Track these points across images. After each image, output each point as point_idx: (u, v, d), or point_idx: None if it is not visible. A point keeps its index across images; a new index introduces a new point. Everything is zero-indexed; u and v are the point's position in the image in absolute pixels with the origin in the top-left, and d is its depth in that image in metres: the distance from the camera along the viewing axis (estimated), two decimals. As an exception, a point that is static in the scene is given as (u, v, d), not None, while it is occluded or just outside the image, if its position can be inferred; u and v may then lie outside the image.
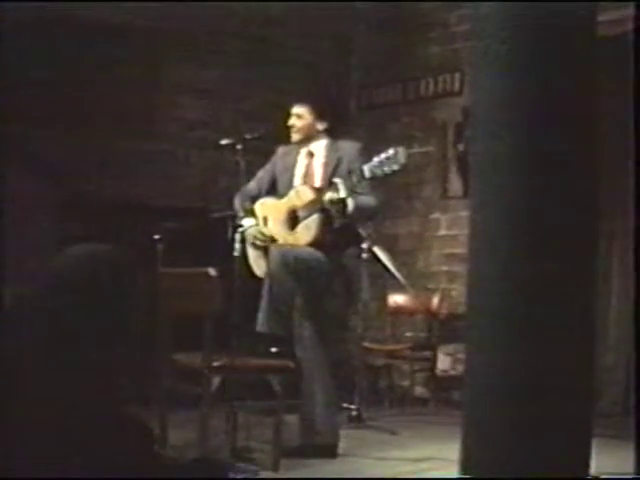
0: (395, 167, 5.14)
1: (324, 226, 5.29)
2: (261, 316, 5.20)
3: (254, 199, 5.59)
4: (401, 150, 5.16)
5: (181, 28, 7.66)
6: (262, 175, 5.67)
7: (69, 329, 1.81)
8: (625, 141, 3.75)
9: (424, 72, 8.40)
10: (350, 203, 5.17)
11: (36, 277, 1.90)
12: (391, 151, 5.17)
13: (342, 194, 5.14)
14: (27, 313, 1.85)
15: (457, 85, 8.11)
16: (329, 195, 5.19)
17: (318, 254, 5.26)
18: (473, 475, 3.09)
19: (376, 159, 5.16)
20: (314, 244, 5.29)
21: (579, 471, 3.07)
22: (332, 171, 5.39)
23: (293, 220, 5.41)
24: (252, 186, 5.59)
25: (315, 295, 5.30)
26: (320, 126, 5.50)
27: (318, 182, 5.46)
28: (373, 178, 5.15)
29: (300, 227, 5.36)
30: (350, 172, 5.25)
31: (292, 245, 5.34)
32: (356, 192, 5.23)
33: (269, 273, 5.21)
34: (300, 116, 5.51)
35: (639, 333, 3.85)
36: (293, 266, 5.20)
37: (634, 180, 3.68)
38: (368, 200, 5.32)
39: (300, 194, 5.40)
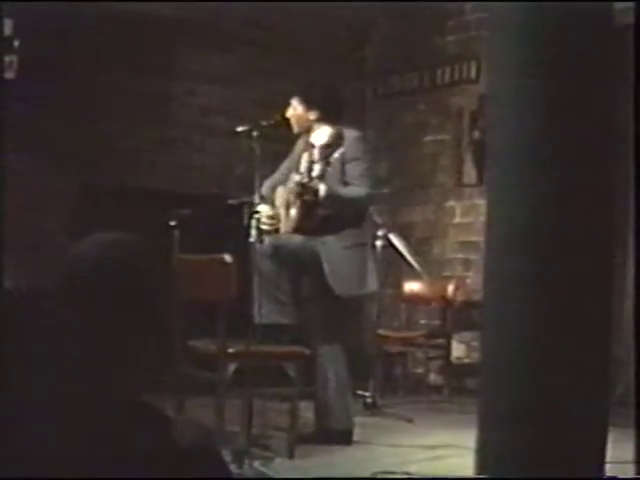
0: (335, 149, 5.13)
1: (303, 212, 5.28)
2: (257, 308, 5.17)
3: (275, 189, 5.63)
4: (339, 132, 5.17)
5: (196, 15, 7.66)
6: (284, 165, 5.70)
7: (87, 318, 1.81)
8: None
9: (440, 60, 8.39)
10: (321, 188, 5.14)
11: (53, 266, 1.90)
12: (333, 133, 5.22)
13: (304, 179, 5.15)
14: (43, 302, 1.85)
15: (473, 73, 8.10)
16: (295, 179, 5.23)
17: (298, 240, 5.28)
18: (489, 463, 3.10)
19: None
20: (297, 230, 5.31)
21: (595, 459, 3.07)
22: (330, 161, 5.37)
23: (288, 207, 5.44)
24: (275, 176, 5.63)
25: (311, 282, 5.30)
26: (312, 116, 5.47)
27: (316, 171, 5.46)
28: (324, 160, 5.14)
29: (290, 213, 5.39)
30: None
31: (283, 232, 5.36)
32: (347, 182, 5.23)
33: (255, 265, 5.20)
34: (293, 108, 5.52)
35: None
36: (272, 254, 5.22)
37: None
38: (352, 190, 5.29)
39: (292, 182, 5.43)
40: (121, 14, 7.16)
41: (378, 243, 6.27)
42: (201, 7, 7.60)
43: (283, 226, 5.44)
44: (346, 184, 5.25)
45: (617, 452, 3.50)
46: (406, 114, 8.63)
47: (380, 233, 6.21)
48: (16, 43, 6.13)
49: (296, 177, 5.25)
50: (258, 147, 5.07)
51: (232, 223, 5.25)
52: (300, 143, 5.65)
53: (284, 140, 5.74)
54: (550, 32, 3.08)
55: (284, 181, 5.63)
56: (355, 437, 5.31)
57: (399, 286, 7.87)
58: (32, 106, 6.61)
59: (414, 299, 7.96)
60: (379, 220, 6.12)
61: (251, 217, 5.00)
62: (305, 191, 5.18)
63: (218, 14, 7.76)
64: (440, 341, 7.69)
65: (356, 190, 5.27)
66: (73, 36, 6.93)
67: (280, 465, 4.65)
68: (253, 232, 4.89)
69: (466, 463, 3.50)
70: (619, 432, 3.65)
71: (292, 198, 5.36)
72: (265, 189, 5.57)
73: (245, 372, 4.73)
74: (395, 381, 7.98)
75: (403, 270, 7.13)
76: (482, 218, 3.45)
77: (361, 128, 5.85)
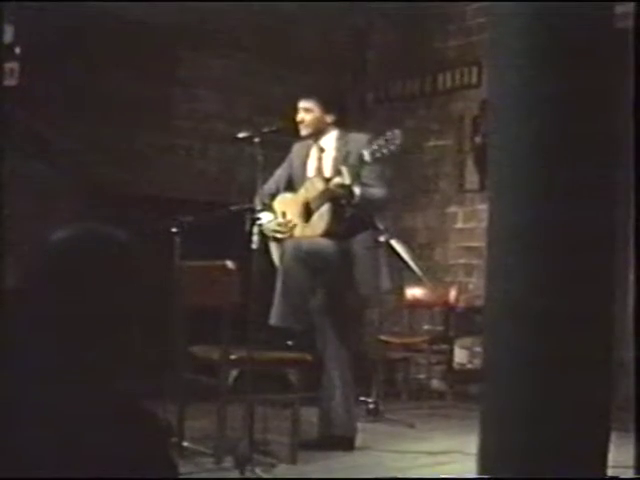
0: (392, 148, 5.14)
1: (335, 215, 5.31)
2: (275, 310, 5.21)
3: (273, 197, 5.62)
4: (397, 132, 5.17)
5: (197, 22, 7.66)
6: (280, 173, 5.70)
7: (65, 315, 1.78)
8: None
9: (441, 65, 8.39)
10: (356, 190, 5.18)
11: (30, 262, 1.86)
12: (388, 133, 5.19)
13: (347, 180, 5.16)
14: (24, 302, 1.82)
15: (474, 78, 8.10)
16: (335, 181, 5.22)
17: (330, 244, 5.28)
18: (491, 468, 3.09)
19: (374, 143, 5.17)
20: (327, 234, 5.31)
21: (596, 464, 3.07)
22: (341, 163, 5.41)
23: (307, 212, 5.43)
24: (270, 184, 5.62)
25: (332, 286, 5.31)
26: (329, 119, 5.50)
27: (327, 174, 5.48)
28: (376, 160, 5.15)
29: (314, 218, 5.38)
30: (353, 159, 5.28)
31: (307, 236, 5.36)
32: (365, 184, 5.26)
33: (282, 267, 5.23)
34: (309, 110, 5.51)
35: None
36: (306, 258, 5.22)
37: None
38: (376, 191, 5.33)
39: (312, 185, 5.43)
40: (122, 20, 7.16)
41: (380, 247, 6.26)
42: (202, 12, 7.61)
43: (302, 231, 5.42)
44: (363, 185, 5.28)
45: (618, 456, 3.49)
46: (407, 119, 8.62)
47: (382, 239, 6.19)
48: (17, 50, 6.13)
49: (335, 179, 5.23)
50: (259, 153, 5.07)
51: (234, 230, 5.24)
52: (301, 148, 5.64)
53: (285, 146, 5.74)
54: (551, 36, 3.08)
55: (282, 188, 5.63)
56: (357, 443, 5.31)
57: (401, 291, 7.86)
58: (34, 112, 6.61)
59: (416, 305, 7.95)
60: (381, 225, 6.11)
61: (253, 224, 5.00)
62: (343, 194, 5.20)
63: (219, 20, 7.76)
64: (442, 347, 7.69)
65: (377, 191, 5.32)
66: (74, 42, 6.93)
67: (282, 471, 4.64)
68: (255, 238, 4.89)
69: (468, 468, 3.49)
70: (621, 436, 3.64)
71: (317, 202, 5.34)
72: (262, 196, 5.55)
73: (247, 378, 4.73)
74: (397, 387, 7.98)
75: (405, 276, 7.12)
76: (484, 223, 3.44)
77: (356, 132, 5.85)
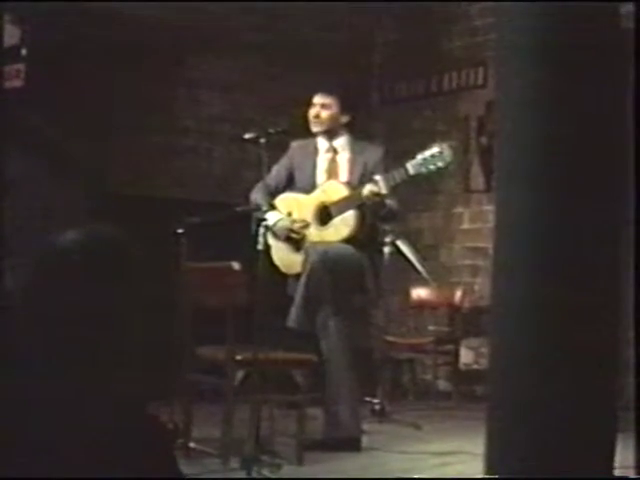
0: (440, 164, 5.12)
1: (361, 222, 5.29)
2: (294, 312, 5.20)
3: (272, 194, 5.57)
4: (446, 147, 5.13)
5: (203, 22, 7.67)
6: (279, 170, 5.63)
7: (67, 318, 1.78)
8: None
9: (447, 65, 8.38)
10: (388, 202, 5.19)
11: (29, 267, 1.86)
12: (435, 149, 5.14)
13: (383, 190, 5.13)
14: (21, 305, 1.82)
15: (480, 78, 8.10)
16: (369, 189, 5.17)
17: (353, 251, 5.28)
18: (497, 469, 3.09)
19: (420, 157, 5.14)
20: (350, 240, 5.29)
21: (603, 464, 3.07)
22: (360, 173, 5.40)
23: (325, 215, 5.39)
24: (270, 181, 5.53)
25: (348, 292, 5.31)
26: (343, 119, 5.49)
27: (344, 179, 5.46)
28: (418, 175, 5.15)
29: (334, 222, 5.35)
30: (375, 170, 5.28)
31: (327, 241, 5.33)
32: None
33: (309, 270, 5.20)
34: (327, 106, 5.48)
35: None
36: (333, 266, 5.19)
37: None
38: (394, 203, 5.34)
39: (331, 190, 5.39)
40: (128, 21, 7.17)
41: (386, 249, 6.27)
42: (207, 13, 7.61)
43: (318, 234, 5.40)
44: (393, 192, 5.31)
45: (619, 456, 3.48)
46: (413, 120, 8.62)
47: (388, 239, 6.20)
48: (24, 51, 6.14)
49: (369, 187, 5.18)
50: (265, 154, 5.07)
51: (240, 230, 5.24)
52: (304, 146, 5.61)
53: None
54: (557, 35, 3.08)
55: (281, 186, 5.59)
56: (363, 444, 5.30)
57: (407, 292, 7.86)
58: (39, 114, 6.62)
59: (422, 305, 7.95)
60: (387, 226, 6.11)
61: (259, 224, 5.00)
62: (375, 203, 5.19)
63: (224, 20, 7.77)
64: (448, 347, 7.68)
65: (393, 203, 5.35)
66: (79, 44, 6.94)
67: (289, 472, 4.64)
68: (261, 239, 4.89)
69: (475, 469, 3.49)
70: (628, 437, 3.64)
71: (339, 207, 5.31)
72: (261, 195, 5.52)
73: (253, 379, 4.73)
74: (403, 387, 7.98)
75: (411, 276, 7.12)
76: (490, 224, 3.45)
77: (367, 135, 5.86)
